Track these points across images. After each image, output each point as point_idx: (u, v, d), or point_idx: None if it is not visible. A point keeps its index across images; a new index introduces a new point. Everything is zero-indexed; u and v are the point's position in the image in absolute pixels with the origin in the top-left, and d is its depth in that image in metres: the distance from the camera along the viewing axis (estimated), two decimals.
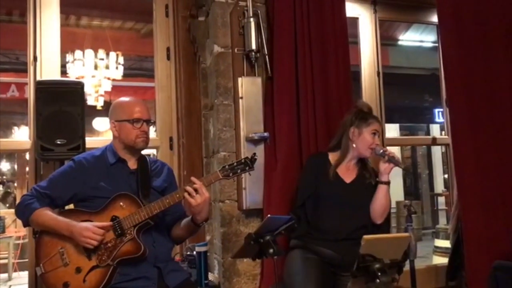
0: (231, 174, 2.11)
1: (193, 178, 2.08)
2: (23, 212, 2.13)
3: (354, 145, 2.58)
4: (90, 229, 2.02)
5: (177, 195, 2.08)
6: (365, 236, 1.67)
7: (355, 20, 3.73)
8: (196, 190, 2.04)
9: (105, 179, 2.17)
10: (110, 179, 2.18)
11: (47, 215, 2.10)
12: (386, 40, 6.48)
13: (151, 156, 2.97)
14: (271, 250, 1.87)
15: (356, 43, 3.74)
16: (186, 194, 2.04)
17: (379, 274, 1.64)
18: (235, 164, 2.13)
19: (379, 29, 3.79)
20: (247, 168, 2.13)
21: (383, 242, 1.72)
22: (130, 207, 2.09)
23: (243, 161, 2.14)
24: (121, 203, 2.10)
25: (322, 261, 2.41)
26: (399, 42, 7.25)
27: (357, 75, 3.61)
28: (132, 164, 2.26)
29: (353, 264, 1.62)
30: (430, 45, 6.96)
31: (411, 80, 8.33)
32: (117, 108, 2.28)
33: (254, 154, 2.15)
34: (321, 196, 2.54)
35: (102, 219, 2.08)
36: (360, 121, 2.58)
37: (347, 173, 2.60)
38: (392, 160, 2.47)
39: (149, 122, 2.24)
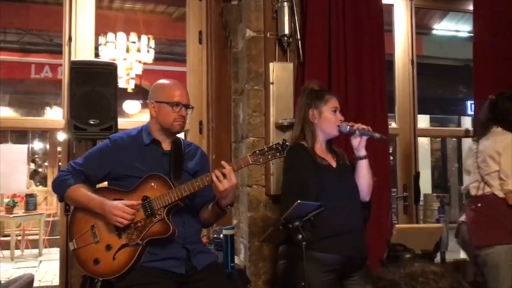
0: (261, 160, 2.08)
1: (223, 162, 2.07)
2: (59, 188, 2.18)
3: (319, 128, 2.38)
4: (120, 208, 2.04)
5: (207, 178, 2.08)
6: (397, 225, 1.65)
7: (389, 7, 3.65)
8: (224, 175, 2.04)
9: (139, 159, 2.19)
10: (143, 159, 2.20)
11: (81, 192, 2.14)
12: (420, 29, 6.34)
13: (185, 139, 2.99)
14: (300, 236, 1.86)
15: (390, 31, 3.67)
16: (214, 178, 2.04)
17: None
18: (265, 149, 2.10)
19: (414, 17, 3.71)
20: (278, 154, 2.09)
21: (415, 232, 1.70)
22: (161, 188, 2.11)
23: (274, 147, 2.10)
24: (153, 184, 2.12)
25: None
26: (434, 32, 7.09)
27: (389, 64, 3.55)
28: (166, 145, 2.27)
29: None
30: (466, 35, 6.77)
31: (444, 70, 8.14)
32: (158, 89, 2.29)
33: (285, 140, 2.11)
34: (318, 184, 2.27)
35: (134, 198, 2.10)
36: (316, 101, 2.38)
37: (327, 157, 2.38)
38: (364, 132, 2.29)
39: (188, 107, 2.24)
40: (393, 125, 3.63)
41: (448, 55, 7.83)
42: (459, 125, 10.37)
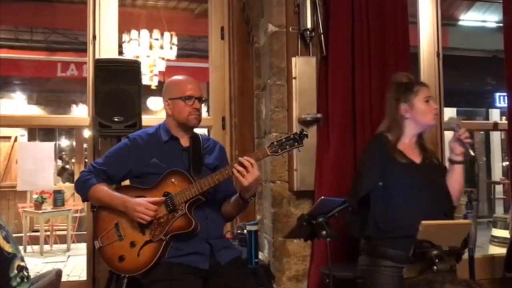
0: (279, 150, 2.07)
1: (240, 159, 2.06)
2: (82, 188, 2.21)
3: (412, 122, 2.27)
4: (143, 204, 2.06)
5: (226, 171, 2.08)
6: (424, 222, 1.61)
7: None
8: (246, 169, 2.03)
9: (158, 156, 2.20)
10: (163, 156, 2.21)
11: (103, 191, 2.17)
12: (445, 20, 6.20)
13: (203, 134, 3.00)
14: (323, 232, 1.85)
15: (415, 22, 3.59)
16: (237, 173, 2.04)
17: (437, 261, 1.58)
18: (283, 140, 2.08)
19: (440, 8, 3.63)
20: (296, 143, 2.06)
21: (442, 228, 1.65)
22: (181, 183, 2.12)
23: (292, 136, 2.08)
24: (173, 180, 2.13)
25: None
26: (460, 23, 6.92)
27: (414, 57, 3.48)
28: (184, 141, 2.28)
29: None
30: (493, 25, 6.60)
31: (470, 62, 7.95)
32: (170, 87, 2.31)
33: (303, 129, 2.09)
34: (391, 183, 2.20)
35: (155, 195, 2.12)
36: (406, 94, 2.28)
37: (413, 153, 2.28)
38: (465, 144, 2.18)
39: (200, 99, 2.25)
40: None
41: (475, 46, 7.63)
42: (487, 118, 10.13)
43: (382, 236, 2.11)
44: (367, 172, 2.25)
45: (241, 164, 2.03)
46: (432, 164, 2.29)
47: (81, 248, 6.58)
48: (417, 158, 2.27)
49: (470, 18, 6.82)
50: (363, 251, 2.23)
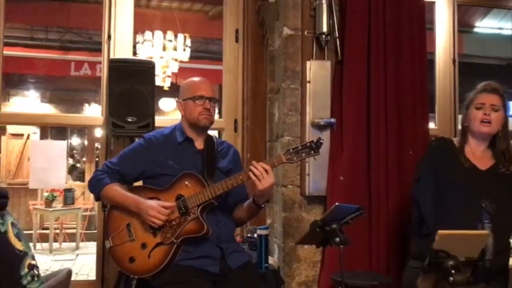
0: (295, 158, 2.05)
1: (255, 163, 2.05)
2: (95, 187, 2.21)
3: (469, 131, 2.27)
4: (155, 208, 2.05)
5: (240, 177, 2.07)
6: (440, 231, 1.58)
7: (430, 5, 3.54)
8: (262, 174, 2.01)
9: (172, 157, 2.20)
10: (177, 158, 2.20)
11: (116, 191, 2.16)
12: (461, 26, 6.15)
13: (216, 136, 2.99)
14: (337, 239, 1.82)
15: (431, 29, 3.56)
16: (254, 178, 2.02)
17: (453, 272, 1.55)
18: (299, 147, 2.07)
19: (456, 14, 3.59)
20: (312, 152, 2.05)
21: (459, 238, 1.62)
22: (195, 187, 2.11)
23: (308, 144, 2.06)
24: (187, 182, 2.12)
25: None
26: (475, 29, 6.86)
27: (430, 63, 3.44)
28: (199, 144, 2.27)
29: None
30: (510, 33, 6.52)
31: (486, 70, 7.86)
32: (184, 88, 2.31)
33: (319, 138, 2.07)
34: (447, 185, 2.19)
35: (168, 197, 2.11)
36: (468, 102, 2.27)
37: (480, 159, 2.25)
38: None
39: (212, 99, 2.24)
40: (432, 125, 3.52)
41: (491, 54, 7.55)
42: None
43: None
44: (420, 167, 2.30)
45: (257, 169, 2.02)
46: (499, 173, 2.23)
47: (90, 247, 6.62)
48: (483, 165, 2.24)
49: (486, 25, 6.75)
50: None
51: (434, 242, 1.58)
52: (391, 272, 2.71)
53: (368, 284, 2.37)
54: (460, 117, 3.42)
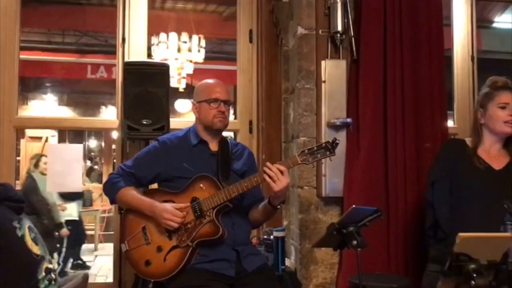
0: (310, 159, 2.03)
1: (269, 164, 2.03)
2: (110, 190, 2.21)
3: (486, 129, 2.24)
4: (170, 211, 2.05)
5: (255, 179, 2.05)
6: (461, 234, 1.54)
7: (447, 0, 3.47)
8: (277, 175, 1.99)
9: (187, 160, 2.19)
10: (192, 160, 2.19)
11: (131, 194, 2.17)
12: (479, 22, 6.03)
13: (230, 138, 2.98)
14: (354, 242, 1.79)
15: (448, 25, 3.49)
16: (268, 179, 2.00)
17: (474, 275, 1.50)
18: (315, 148, 2.05)
19: (475, 9, 3.52)
20: (327, 153, 2.03)
21: (481, 241, 1.57)
22: (209, 189, 2.10)
23: (323, 145, 2.04)
24: (201, 185, 2.11)
25: None
26: (494, 25, 6.73)
27: (448, 60, 3.38)
28: (213, 146, 2.26)
29: None
30: None
31: (505, 65, 7.72)
32: (197, 90, 2.31)
33: (335, 138, 2.04)
34: (461, 187, 2.18)
35: (183, 200, 2.10)
36: (484, 99, 2.23)
37: (495, 158, 2.23)
38: None
39: (226, 102, 2.23)
40: (451, 123, 3.45)
41: (510, 49, 7.41)
42: None
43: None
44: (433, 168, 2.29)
45: (272, 170, 2.00)
46: None
47: (108, 248, 6.65)
48: (498, 164, 2.21)
49: (505, 20, 6.62)
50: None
51: (454, 245, 1.54)
52: (410, 275, 2.66)
53: (387, 286, 2.33)
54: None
